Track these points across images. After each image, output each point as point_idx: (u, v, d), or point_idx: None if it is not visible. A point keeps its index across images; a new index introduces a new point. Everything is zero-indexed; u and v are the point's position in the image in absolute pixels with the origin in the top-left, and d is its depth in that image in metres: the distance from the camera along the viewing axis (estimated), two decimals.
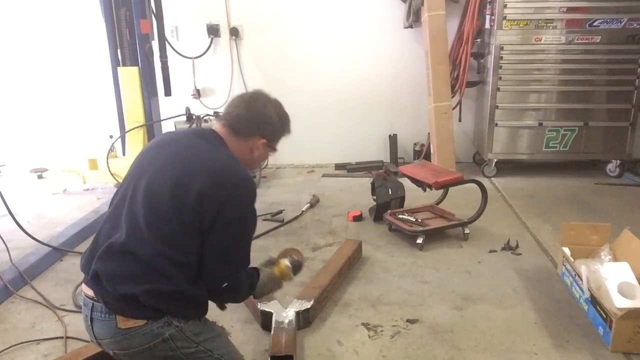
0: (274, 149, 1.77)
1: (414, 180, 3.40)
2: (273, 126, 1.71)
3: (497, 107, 4.41)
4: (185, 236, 1.53)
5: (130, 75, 4.16)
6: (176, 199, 1.52)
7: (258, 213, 4.18)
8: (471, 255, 3.08)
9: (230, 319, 2.46)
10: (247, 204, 1.60)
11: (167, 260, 1.51)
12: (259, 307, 2.40)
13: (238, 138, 1.68)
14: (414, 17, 4.60)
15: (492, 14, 4.31)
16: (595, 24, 4.16)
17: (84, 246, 3.36)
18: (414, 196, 3.68)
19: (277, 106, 1.74)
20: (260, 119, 1.68)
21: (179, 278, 1.54)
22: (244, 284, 1.67)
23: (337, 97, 4.97)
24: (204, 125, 4.21)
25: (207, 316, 1.70)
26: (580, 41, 4.21)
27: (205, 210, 1.51)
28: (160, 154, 1.65)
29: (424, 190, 3.39)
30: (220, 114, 1.71)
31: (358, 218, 3.67)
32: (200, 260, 1.56)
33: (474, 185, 3.33)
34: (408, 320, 2.42)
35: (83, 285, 1.63)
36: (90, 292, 1.57)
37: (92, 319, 1.57)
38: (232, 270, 1.62)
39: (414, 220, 3.34)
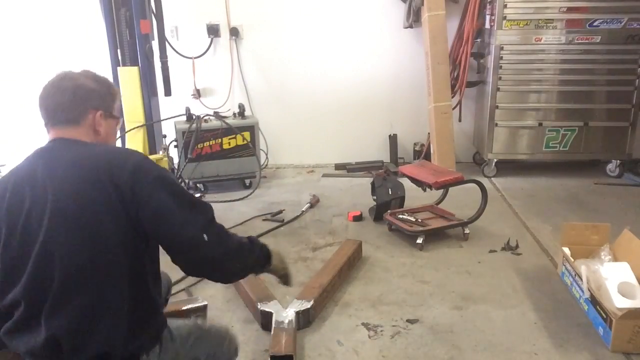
0: (115, 117, 1.58)
1: (414, 180, 3.40)
2: (97, 92, 1.52)
3: (497, 107, 4.41)
4: (132, 249, 1.37)
5: (130, 75, 4.16)
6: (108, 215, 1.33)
7: (258, 213, 4.20)
8: (471, 255, 3.08)
9: (230, 319, 2.46)
10: (148, 163, 1.43)
11: (124, 293, 1.36)
12: (259, 307, 2.40)
13: (75, 126, 1.48)
14: (414, 17, 4.60)
15: (492, 14, 4.31)
16: (595, 24, 4.16)
17: None
18: (414, 196, 3.68)
19: (88, 73, 1.55)
20: (81, 93, 1.49)
21: (138, 300, 1.39)
22: (225, 231, 1.47)
23: (337, 97, 4.97)
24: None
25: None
26: (580, 41, 4.21)
27: (129, 196, 1.34)
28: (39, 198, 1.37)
29: (424, 190, 3.39)
30: (43, 119, 1.49)
31: (358, 218, 3.67)
32: (154, 244, 1.42)
33: (474, 185, 3.33)
34: (408, 320, 2.42)
35: None
36: None
37: None
38: (200, 216, 1.41)
39: (414, 220, 3.34)
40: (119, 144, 4.45)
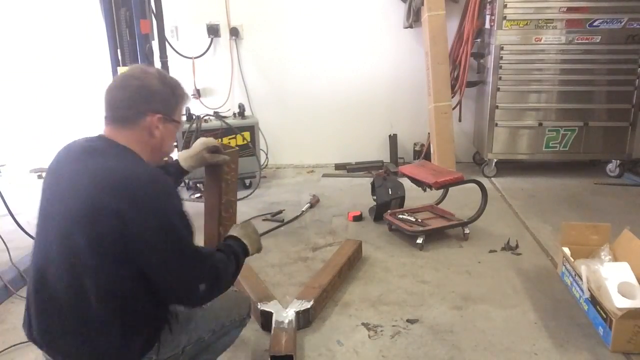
0: (175, 121, 1.55)
1: (414, 180, 3.40)
2: (160, 95, 1.49)
3: (497, 107, 4.41)
4: (111, 274, 1.36)
5: None
6: (92, 244, 1.33)
7: (258, 213, 4.19)
8: (471, 255, 3.08)
9: None
10: (171, 207, 1.39)
11: (115, 311, 1.38)
12: (259, 307, 2.40)
13: (130, 126, 1.46)
14: (414, 17, 4.60)
15: (492, 14, 4.31)
16: (595, 24, 4.16)
17: None
18: (414, 196, 3.68)
19: (158, 74, 1.53)
20: (143, 94, 1.46)
21: (131, 317, 1.41)
22: (222, 268, 1.51)
23: (337, 97, 4.98)
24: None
25: None
26: (580, 41, 4.21)
27: (125, 235, 1.32)
28: (54, 204, 1.43)
29: (424, 190, 3.39)
30: (105, 112, 1.50)
31: (358, 218, 3.67)
32: (145, 288, 1.41)
33: (474, 185, 3.33)
34: (408, 320, 2.42)
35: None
36: None
37: None
38: (198, 271, 1.43)
39: (414, 220, 3.34)
40: None
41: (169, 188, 1.43)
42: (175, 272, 1.39)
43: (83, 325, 1.38)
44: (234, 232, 1.71)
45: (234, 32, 4.84)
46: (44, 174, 5.41)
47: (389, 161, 4.96)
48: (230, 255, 1.58)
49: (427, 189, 3.36)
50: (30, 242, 3.21)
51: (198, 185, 4.35)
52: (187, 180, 4.34)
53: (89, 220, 1.32)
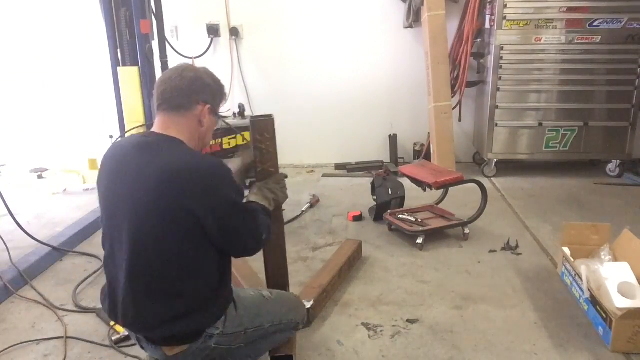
0: (218, 116, 1.73)
1: (414, 180, 3.40)
2: (211, 89, 1.68)
3: (497, 107, 4.41)
4: (194, 253, 1.55)
5: (130, 75, 4.15)
6: (166, 227, 1.50)
7: None
8: (471, 255, 3.08)
9: None
10: (229, 187, 1.58)
11: (186, 284, 1.55)
12: None
13: (183, 113, 1.62)
14: (414, 17, 4.60)
15: (492, 14, 4.31)
16: (595, 24, 4.17)
17: (84, 246, 3.36)
18: (414, 196, 3.68)
19: (206, 71, 1.71)
20: (198, 84, 1.64)
21: (201, 290, 1.58)
22: (268, 222, 1.76)
23: (337, 97, 4.98)
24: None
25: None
26: (580, 41, 4.21)
27: (200, 218, 1.51)
28: (119, 195, 1.57)
29: (424, 190, 3.39)
30: (156, 101, 1.64)
31: (358, 218, 3.67)
32: (222, 253, 1.62)
33: (474, 185, 3.33)
34: (408, 320, 2.42)
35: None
36: (130, 330, 1.67)
37: (140, 343, 1.68)
38: (257, 230, 1.67)
39: (414, 220, 3.34)
40: None
41: (222, 170, 1.58)
42: (244, 232, 1.61)
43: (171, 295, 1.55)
44: (252, 197, 1.88)
45: (234, 32, 4.84)
46: (44, 174, 5.39)
47: (389, 161, 4.97)
48: (265, 211, 1.81)
49: (427, 189, 3.36)
50: (31, 242, 3.24)
51: None
52: None
53: (162, 213, 1.48)
